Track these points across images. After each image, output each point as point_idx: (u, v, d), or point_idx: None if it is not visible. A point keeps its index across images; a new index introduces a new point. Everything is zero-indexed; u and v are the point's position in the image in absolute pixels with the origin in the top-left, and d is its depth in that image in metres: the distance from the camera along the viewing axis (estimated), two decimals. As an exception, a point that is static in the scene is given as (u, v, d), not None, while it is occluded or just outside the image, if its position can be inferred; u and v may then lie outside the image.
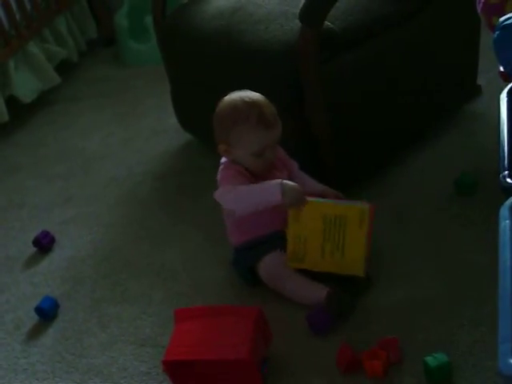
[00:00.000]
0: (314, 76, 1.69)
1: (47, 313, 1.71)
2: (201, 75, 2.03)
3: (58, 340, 1.65)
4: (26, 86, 2.74)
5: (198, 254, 1.83)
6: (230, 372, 1.37)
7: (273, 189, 1.50)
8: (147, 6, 2.53)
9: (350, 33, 1.74)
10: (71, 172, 2.37)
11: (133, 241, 1.95)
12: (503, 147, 1.55)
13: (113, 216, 2.09)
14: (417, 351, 1.39)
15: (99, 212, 2.11)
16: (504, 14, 1.35)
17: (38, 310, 1.71)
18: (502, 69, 1.59)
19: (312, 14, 1.65)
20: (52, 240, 1.99)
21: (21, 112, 2.79)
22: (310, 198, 1.53)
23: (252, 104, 1.56)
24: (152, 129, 2.52)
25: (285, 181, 1.51)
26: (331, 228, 1.52)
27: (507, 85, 1.73)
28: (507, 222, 1.15)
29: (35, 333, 1.69)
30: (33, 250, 1.98)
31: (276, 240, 1.60)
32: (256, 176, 1.62)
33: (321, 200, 1.55)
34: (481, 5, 1.50)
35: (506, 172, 1.46)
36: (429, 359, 1.32)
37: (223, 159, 1.66)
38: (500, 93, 1.74)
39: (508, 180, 1.45)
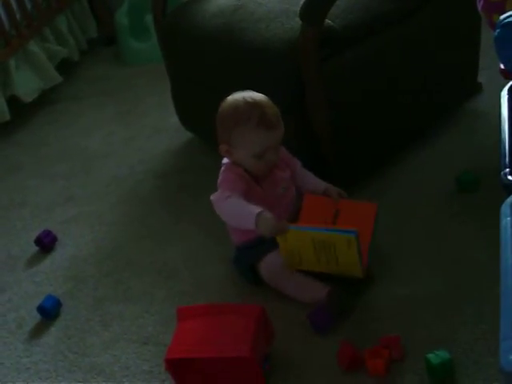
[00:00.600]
0: (314, 74, 1.69)
1: (49, 312, 1.71)
2: (201, 74, 2.03)
3: (61, 339, 1.66)
4: (27, 85, 2.75)
5: (199, 253, 1.83)
6: (232, 370, 1.37)
7: (250, 218, 1.47)
8: (147, 4, 2.54)
9: (351, 31, 1.74)
10: (73, 171, 2.37)
11: (135, 239, 1.95)
12: (504, 145, 1.55)
13: (114, 215, 2.09)
14: (419, 349, 1.39)
15: (101, 211, 2.12)
16: (505, 12, 1.35)
17: (41, 309, 1.71)
18: (502, 66, 1.59)
19: (312, 12, 1.65)
20: (54, 239, 2.00)
21: (22, 111, 2.80)
22: (292, 226, 1.50)
23: (254, 105, 1.55)
24: (153, 127, 2.52)
25: (263, 212, 1.47)
26: (321, 248, 1.48)
27: (508, 82, 1.73)
28: (508, 219, 1.15)
29: (38, 332, 1.69)
30: (35, 249, 1.99)
31: (274, 238, 1.60)
32: (257, 178, 1.61)
33: (305, 229, 1.50)
34: (481, 3, 1.51)
35: (507, 169, 1.47)
36: (431, 356, 1.32)
37: (225, 160, 1.65)
38: (501, 90, 1.74)
39: (509, 177, 1.45)
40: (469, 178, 1.81)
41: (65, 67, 3.05)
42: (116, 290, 1.77)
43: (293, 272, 1.57)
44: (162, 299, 1.70)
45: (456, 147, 2.00)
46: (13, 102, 2.73)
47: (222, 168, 1.64)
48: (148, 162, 2.32)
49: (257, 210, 1.48)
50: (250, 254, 1.64)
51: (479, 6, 1.52)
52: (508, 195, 1.21)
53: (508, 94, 1.71)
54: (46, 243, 1.97)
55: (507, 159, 1.50)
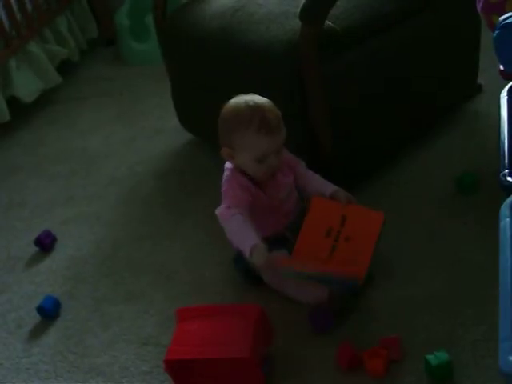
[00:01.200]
0: (315, 75, 1.69)
1: (49, 312, 1.71)
2: (201, 75, 2.03)
3: (60, 339, 1.66)
4: (27, 85, 2.74)
5: (199, 253, 1.83)
6: (232, 371, 1.37)
7: (246, 246, 1.48)
8: (148, 5, 2.54)
9: (351, 32, 1.73)
10: (72, 171, 2.37)
11: (134, 240, 1.95)
12: (503, 146, 1.56)
13: (114, 215, 2.09)
14: (418, 350, 1.39)
15: (101, 211, 2.12)
16: (504, 13, 1.35)
17: (40, 310, 1.71)
18: (502, 67, 1.59)
19: (312, 14, 1.65)
20: (53, 239, 2.00)
21: (22, 112, 2.80)
22: (286, 263, 1.52)
23: (255, 108, 1.53)
24: (153, 128, 2.52)
25: (259, 245, 1.47)
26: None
27: (507, 83, 1.73)
28: (507, 220, 1.15)
29: (37, 332, 1.69)
30: (34, 249, 1.99)
31: (277, 240, 1.60)
32: (259, 183, 1.60)
33: (302, 266, 1.51)
34: (481, 4, 1.51)
35: (507, 171, 1.47)
36: (430, 357, 1.32)
37: (227, 164, 1.63)
38: (500, 91, 1.74)
39: (508, 178, 1.45)
40: (468, 179, 1.81)
41: (65, 68, 3.05)
42: (115, 291, 1.77)
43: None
44: (162, 300, 1.70)
45: (456, 148, 2.00)
46: (13, 102, 2.73)
47: (225, 174, 1.61)
48: (148, 162, 2.32)
49: (254, 240, 1.47)
50: (249, 254, 1.64)
51: (479, 7, 1.52)
52: (507, 196, 1.22)
53: (507, 96, 1.72)
54: (45, 243, 1.97)
55: (507, 160, 1.51)
